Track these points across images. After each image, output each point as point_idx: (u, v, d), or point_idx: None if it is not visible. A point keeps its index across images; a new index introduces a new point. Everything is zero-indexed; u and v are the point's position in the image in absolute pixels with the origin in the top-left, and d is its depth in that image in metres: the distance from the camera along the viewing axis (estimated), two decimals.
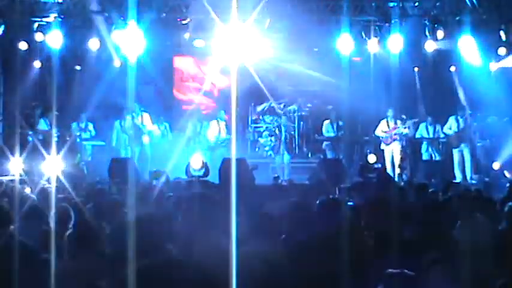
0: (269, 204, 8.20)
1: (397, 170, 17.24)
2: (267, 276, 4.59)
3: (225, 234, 5.75)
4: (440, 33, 17.52)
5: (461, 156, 17.72)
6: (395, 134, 17.95)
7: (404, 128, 17.95)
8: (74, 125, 17.89)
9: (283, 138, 18.45)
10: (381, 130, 18.16)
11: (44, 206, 7.59)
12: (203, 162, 15.42)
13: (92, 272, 4.93)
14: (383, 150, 18.09)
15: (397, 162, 17.55)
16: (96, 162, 17.63)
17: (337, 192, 10.74)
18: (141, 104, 18.22)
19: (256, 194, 10.52)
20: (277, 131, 18.78)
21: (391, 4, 17.53)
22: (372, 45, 18.15)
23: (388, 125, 18.08)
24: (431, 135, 18.35)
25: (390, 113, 18.08)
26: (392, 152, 17.88)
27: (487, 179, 15.60)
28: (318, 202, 6.73)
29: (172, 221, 7.13)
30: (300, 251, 5.19)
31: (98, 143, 18.26)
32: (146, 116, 18.22)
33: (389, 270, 4.49)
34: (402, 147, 17.85)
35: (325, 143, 18.85)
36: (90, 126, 18.23)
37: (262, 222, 6.21)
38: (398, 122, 17.96)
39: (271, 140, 19.48)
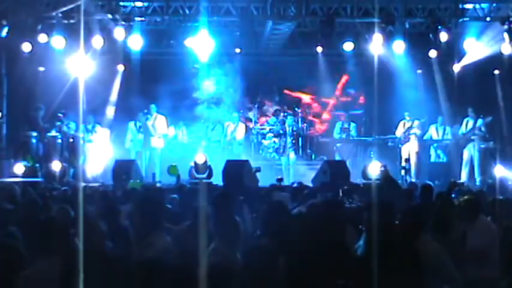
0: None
1: (402, 172, 17.29)
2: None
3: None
4: (443, 36, 17.50)
5: (470, 157, 17.73)
6: (409, 134, 18.12)
7: (416, 128, 18.09)
8: (82, 126, 17.76)
9: (289, 138, 18.33)
10: (400, 131, 18.30)
11: (47, 207, 7.64)
12: (207, 164, 15.38)
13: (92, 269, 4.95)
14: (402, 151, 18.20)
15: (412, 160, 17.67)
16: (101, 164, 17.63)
17: (340, 193, 10.68)
18: (158, 106, 18.17)
19: (259, 196, 10.53)
20: (281, 131, 18.67)
21: (395, 6, 17.52)
22: (376, 46, 18.15)
23: (404, 126, 18.23)
24: (440, 137, 18.40)
25: (407, 114, 18.20)
26: (409, 151, 18.04)
27: (490, 181, 15.55)
28: (319, 203, 6.72)
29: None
30: (301, 250, 5.17)
31: (102, 144, 18.09)
32: (161, 118, 18.04)
33: None
34: (418, 147, 18.01)
35: (338, 144, 18.86)
36: (98, 128, 18.10)
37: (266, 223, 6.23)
38: (415, 122, 18.08)
39: (274, 142, 19.44)
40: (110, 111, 18.82)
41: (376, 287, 4.56)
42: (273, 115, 20.11)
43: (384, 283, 4.51)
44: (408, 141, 18.12)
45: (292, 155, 18.36)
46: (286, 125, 18.76)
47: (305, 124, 19.50)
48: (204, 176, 15.14)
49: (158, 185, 13.83)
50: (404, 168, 16.60)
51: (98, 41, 17.29)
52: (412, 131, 18.14)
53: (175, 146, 18.61)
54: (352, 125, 18.93)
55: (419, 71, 19.63)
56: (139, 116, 17.98)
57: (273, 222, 5.99)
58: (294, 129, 18.65)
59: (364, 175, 15.50)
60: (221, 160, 15.69)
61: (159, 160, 17.90)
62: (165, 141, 18.22)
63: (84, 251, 4.44)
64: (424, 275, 5.07)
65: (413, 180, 16.37)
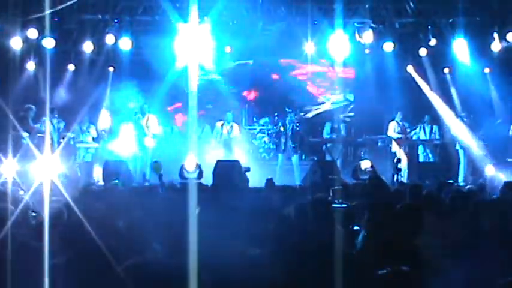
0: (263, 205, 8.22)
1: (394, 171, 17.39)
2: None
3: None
4: (433, 41, 17.61)
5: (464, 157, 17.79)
6: (407, 134, 18.18)
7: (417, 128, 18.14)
8: (76, 126, 17.83)
9: (288, 137, 18.13)
10: (393, 131, 18.27)
11: (37, 207, 7.61)
12: (197, 164, 15.38)
13: (82, 270, 4.99)
14: (395, 152, 18.15)
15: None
16: (92, 165, 17.66)
17: (330, 194, 10.68)
18: (149, 105, 18.09)
19: (249, 196, 10.50)
20: (281, 129, 18.45)
21: (386, 6, 17.55)
22: (366, 47, 18.20)
23: (400, 127, 18.19)
24: (427, 137, 18.43)
25: (399, 115, 18.21)
26: (400, 152, 18.00)
27: (481, 181, 15.59)
28: (308, 203, 6.70)
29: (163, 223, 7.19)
30: (290, 252, 5.18)
31: (93, 146, 18.16)
32: (153, 118, 17.92)
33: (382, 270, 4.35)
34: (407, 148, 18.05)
35: (324, 145, 18.87)
36: (92, 128, 18.25)
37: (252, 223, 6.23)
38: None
39: (265, 142, 19.38)
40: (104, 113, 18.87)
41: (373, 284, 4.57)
42: (266, 115, 20.13)
43: (382, 281, 4.45)
44: (406, 142, 18.15)
45: (294, 156, 18.13)
46: (287, 122, 18.47)
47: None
48: (195, 176, 15.14)
49: (147, 184, 13.81)
50: (396, 167, 16.58)
51: (87, 42, 17.33)
52: (412, 133, 18.18)
53: (166, 145, 18.59)
54: (342, 125, 18.89)
55: (409, 68, 19.57)
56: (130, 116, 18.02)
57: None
58: (294, 126, 18.34)
59: (355, 175, 15.54)
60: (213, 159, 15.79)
61: (149, 160, 17.82)
62: (156, 141, 18.10)
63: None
64: (423, 273, 5.07)
65: (403, 180, 16.40)
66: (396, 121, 18.26)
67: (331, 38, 17.47)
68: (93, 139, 18.23)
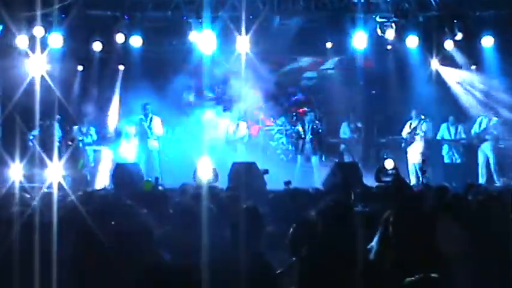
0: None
1: (413, 173, 16.92)
2: None
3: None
4: (458, 35, 17.13)
5: (485, 157, 17.16)
6: (415, 134, 17.54)
7: (420, 128, 17.60)
8: (76, 129, 17.76)
9: (308, 137, 17.68)
10: (406, 132, 17.84)
11: (45, 212, 7.37)
12: (212, 168, 15.00)
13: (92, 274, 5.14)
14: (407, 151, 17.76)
15: (416, 162, 17.18)
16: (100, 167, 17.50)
17: (352, 197, 10.24)
18: (153, 107, 17.83)
19: (267, 199, 10.10)
20: (300, 129, 17.91)
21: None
22: (388, 43, 17.77)
23: (410, 126, 17.74)
24: (452, 137, 17.87)
25: (413, 113, 17.71)
26: (414, 152, 17.52)
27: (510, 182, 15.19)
28: (329, 207, 6.33)
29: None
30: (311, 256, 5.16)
31: (100, 148, 17.94)
32: (156, 119, 17.70)
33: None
34: (423, 148, 17.46)
35: (342, 145, 18.46)
36: (92, 131, 18.07)
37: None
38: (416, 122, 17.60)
39: (282, 143, 19.00)
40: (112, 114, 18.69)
41: None
42: (283, 115, 19.81)
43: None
44: (414, 141, 17.59)
45: (314, 157, 17.67)
46: (306, 122, 17.99)
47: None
48: (210, 179, 14.75)
49: (160, 188, 13.45)
50: (421, 168, 16.13)
51: (96, 39, 17.27)
52: (417, 131, 17.59)
53: (173, 147, 18.49)
54: (359, 124, 18.51)
55: (434, 63, 18.93)
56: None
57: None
58: (314, 126, 17.84)
59: (377, 177, 15.13)
60: (223, 160, 15.53)
61: (157, 162, 17.68)
62: (160, 142, 17.93)
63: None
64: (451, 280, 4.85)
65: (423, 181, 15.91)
66: (411, 121, 17.76)
67: (352, 34, 17.15)
68: (93, 141, 18.05)
